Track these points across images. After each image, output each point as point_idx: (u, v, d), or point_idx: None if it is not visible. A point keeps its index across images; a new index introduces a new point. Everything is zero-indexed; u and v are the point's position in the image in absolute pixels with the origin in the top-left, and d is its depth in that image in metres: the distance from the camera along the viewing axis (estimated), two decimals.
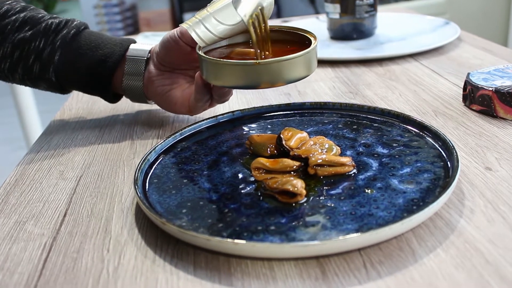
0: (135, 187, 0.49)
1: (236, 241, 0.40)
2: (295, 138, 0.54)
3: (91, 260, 0.43)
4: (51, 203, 0.53)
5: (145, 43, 0.70)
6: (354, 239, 0.40)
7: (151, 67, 0.68)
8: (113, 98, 0.72)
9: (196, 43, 0.60)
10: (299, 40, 0.62)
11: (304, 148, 0.53)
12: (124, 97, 0.73)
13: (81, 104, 0.83)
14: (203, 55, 0.57)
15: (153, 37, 1.19)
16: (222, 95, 0.63)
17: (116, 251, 0.44)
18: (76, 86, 0.71)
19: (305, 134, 0.56)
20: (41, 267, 0.43)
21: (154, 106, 0.77)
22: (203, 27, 0.59)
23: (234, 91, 0.72)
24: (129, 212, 0.50)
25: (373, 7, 1.03)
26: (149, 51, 0.68)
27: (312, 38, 0.60)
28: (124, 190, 0.54)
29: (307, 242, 0.40)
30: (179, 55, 0.65)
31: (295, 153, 0.52)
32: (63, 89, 0.71)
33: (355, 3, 1.02)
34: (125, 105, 0.79)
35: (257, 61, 0.53)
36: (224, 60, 0.55)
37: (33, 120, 2.08)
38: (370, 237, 0.40)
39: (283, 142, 0.54)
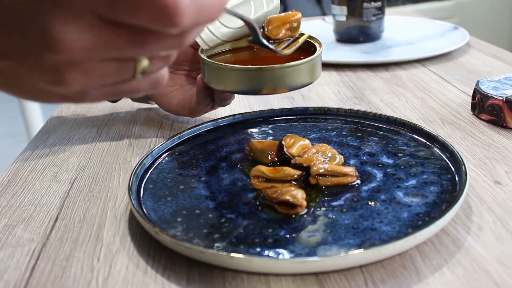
0: (129, 193, 0.47)
1: (232, 254, 0.38)
2: (297, 145, 0.52)
3: (81, 269, 0.42)
4: (43, 207, 0.51)
5: None
6: (356, 256, 0.38)
7: None
8: None
9: (199, 45, 0.58)
10: (304, 46, 0.60)
11: (306, 156, 0.51)
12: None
13: None
14: (206, 58, 0.55)
15: None
16: (223, 99, 0.62)
17: (107, 260, 0.43)
18: None
19: (307, 141, 0.54)
20: (28, 275, 0.41)
21: (153, 106, 0.76)
22: (206, 30, 0.57)
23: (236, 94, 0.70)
24: (122, 219, 0.48)
25: (380, 10, 1.01)
26: None
27: (317, 45, 0.58)
28: (119, 195, 0.52)
29: (306, 258, 0.38)
30: (182, 56, 0.63)
31: (297, 162, 0.50)
32: None
33: (362, 6, 1.00)
34: (124, 104, 0.78)
35: (260, 66, 0.52)
36: (226, 64, 0.53)
37: (35, 114, 2.06)
38: (373, 254, 0.38)
39: (285, 150, 0.52)
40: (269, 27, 0.51)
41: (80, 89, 0.30)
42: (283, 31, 0.52)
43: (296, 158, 0.51)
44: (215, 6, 0.30)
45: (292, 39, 0.52)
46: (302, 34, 0.56)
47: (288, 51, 0.51)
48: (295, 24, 0.52)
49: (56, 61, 0.28)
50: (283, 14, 0.52)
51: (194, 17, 0.28)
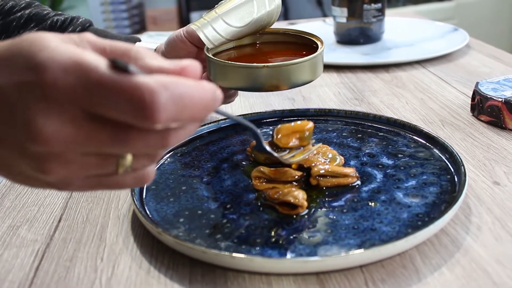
0: (132, 194, 0.48)
1: (234, 254, 0.39)
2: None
3: (84, 270, 0.42)
4: (46, 207, 0.52)
5: (150, 41, 0.69)
6: (356, 256, 0.39)
7: None
8: None
9: (203, 44, 0.59)
10: (306, 44, 0.61)
11: (306, 157, 0.51)
12: None
13: None
14: (211, 57, 0.57)
15: (158, 37, 1.18)
16: (228, 96, 0.64)
17: (110, 260, 0.43)
18: None
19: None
20: (32, 276, 0.42)
21: None
22: (211, 29, 0.58)
23: (238, 94, 0.71)
24: (125, 219, 0.49)
25: (381, 11, 1.01)
26: (155, 50, 0.67)
27: (319, 43, 0.59)
28: (121, 196, 0.53)
29: (307, 258, 0.39)
30: (185, 55, 0.64)
31: (298, 163, 0.50)
32: None
33: (362, 7, 1.00)
34: None
35: (265, 64, 0.53)
36: (232, 62, 0.55)
37: None
38: (373, 254, 0.39)
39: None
40: (279, 135, 0.49)
41: (61, 179, 0.30)
42: (293, 140, 0.49)
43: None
44: (199, 106, 0.29)
45: (302, 148, 0.50)
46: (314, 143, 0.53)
47: (295, 160, 0.48)
48: (306, 134, 0.50)
49: (37, 151, 0.28)
50: (293, 124, 0.50)
51: (174, 114, 0.28)
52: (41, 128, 0.27)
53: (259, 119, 0.65)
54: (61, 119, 0.28)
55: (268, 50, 0.64)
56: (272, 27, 0.64)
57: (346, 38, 1.05)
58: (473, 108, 0.67)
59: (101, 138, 0.29)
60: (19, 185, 0.32)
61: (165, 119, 0.27)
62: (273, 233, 0.43)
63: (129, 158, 0.31)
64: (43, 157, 0.29)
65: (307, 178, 0.50)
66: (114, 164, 0.31)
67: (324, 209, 0.46)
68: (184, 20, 3.76)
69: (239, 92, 0.69)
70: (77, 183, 0.31)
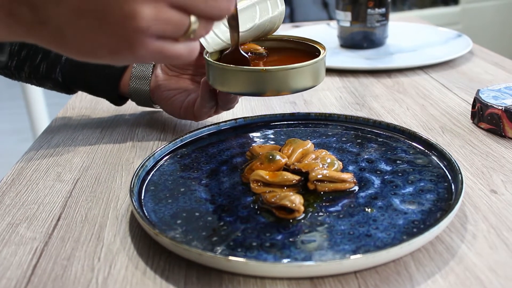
0: (130, 195, 0.48)
1: (229, 257, 0.39)
2: (296, 154, 0.53)
3: (81, 268, 0.43)
4: (46, 206, 0.52)
5: None
6: (350, 262, 0.39)
7: (158, 71, 0.67)
8: (118, 100, 0.71)
9: (203, 47, 0.59)
10: (309, 50, 0.61)
11: (305, 162, 0.52)
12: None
13: (84, 103, 0.82)
14: (210, 60, 0.56)
15: None
16: (227, 102, 0.62)
17: (107, 260, 0.43)
18: (82, 87, 0.70)
19: (309, 145, 0.55)
20: (30, 273, 0.42)
21: (158, 110, 0.77)
22: (212, 33, 0.58)
23: (240, 98, 0.71)
24: (123, 220, 0.49)
25: (384, 16, 1.02)
26: None
27: (321, 49, 0.59)
28: (120, 196, 0.53)
29: (301, 262, 0.39)
30: None
31: (296, 167, 0.51)
32: (69, 90, 0.71)
33: (366, 12, 1.00)
34: (129, 106, 0.79)
35: (264, 68, 0.53)
36: (231, 66, 0.54)
37: (40, 112, 2.08)
38: (367, 260, 0.39)
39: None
40: None
41: (144, 26, 0.34)
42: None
43: (296, 164, 0.52)
44: None
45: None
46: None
47: None
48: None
49: None
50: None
51: None
52: None
53: (260, 122, 0.65)
54: None
55: (270, 56, 0.63)
56: (275, 33, 0.64)
57: (349, 42, 1.05)
58: (473, 116, 0.67)
59: None
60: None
61: None
62: (269, 237, 0.43)
63: (195, 25, 0.37)
64: None
65: (304, 182, 0.50)
66: (186, 25, 0.36)
67: (320, 214, 0.46)
68: None
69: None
70: (147, 43, 0.35)
